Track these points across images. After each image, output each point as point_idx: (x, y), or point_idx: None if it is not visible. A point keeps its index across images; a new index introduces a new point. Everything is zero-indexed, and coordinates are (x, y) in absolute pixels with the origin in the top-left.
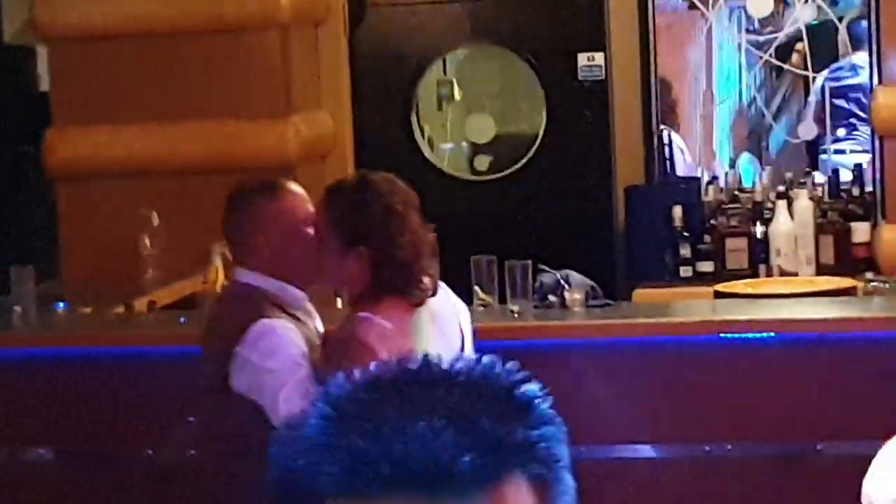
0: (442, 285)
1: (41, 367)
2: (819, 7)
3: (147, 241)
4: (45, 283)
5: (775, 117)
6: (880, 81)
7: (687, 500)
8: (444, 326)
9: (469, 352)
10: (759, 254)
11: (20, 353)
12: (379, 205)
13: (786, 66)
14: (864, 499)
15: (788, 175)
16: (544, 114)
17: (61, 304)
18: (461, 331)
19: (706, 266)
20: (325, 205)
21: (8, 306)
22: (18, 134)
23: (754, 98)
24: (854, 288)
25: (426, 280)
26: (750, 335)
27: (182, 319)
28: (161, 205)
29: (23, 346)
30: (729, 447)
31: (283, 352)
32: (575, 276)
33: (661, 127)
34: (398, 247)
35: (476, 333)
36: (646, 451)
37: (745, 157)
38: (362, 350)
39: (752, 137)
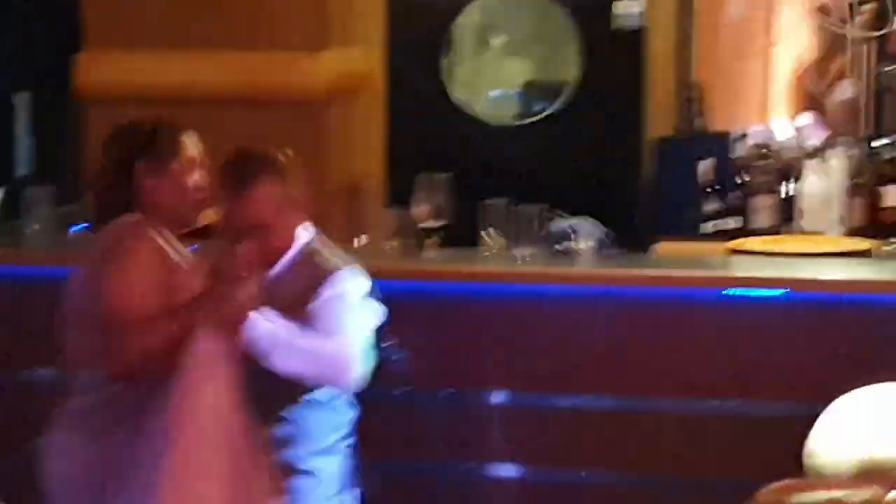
0: None
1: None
2: None
3: None
4: (72, 206)
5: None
6: None
7: (690, 454)
8: None
9: None
10: (786, 213)
11: (32, 272)
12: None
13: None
14: (806, 457)
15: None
16: (578, 61)
17: (81, 226)
18: None
19: (731, 223)
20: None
21: (26, 226)
22: (64, 61)
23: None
24: (869, 251)
25: None
26: (759, 292)
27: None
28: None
29: (35, 265)
30: (736, 404)
31: None
32: (587, 225)
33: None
34: None
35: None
36: (644, 404)
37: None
38: None
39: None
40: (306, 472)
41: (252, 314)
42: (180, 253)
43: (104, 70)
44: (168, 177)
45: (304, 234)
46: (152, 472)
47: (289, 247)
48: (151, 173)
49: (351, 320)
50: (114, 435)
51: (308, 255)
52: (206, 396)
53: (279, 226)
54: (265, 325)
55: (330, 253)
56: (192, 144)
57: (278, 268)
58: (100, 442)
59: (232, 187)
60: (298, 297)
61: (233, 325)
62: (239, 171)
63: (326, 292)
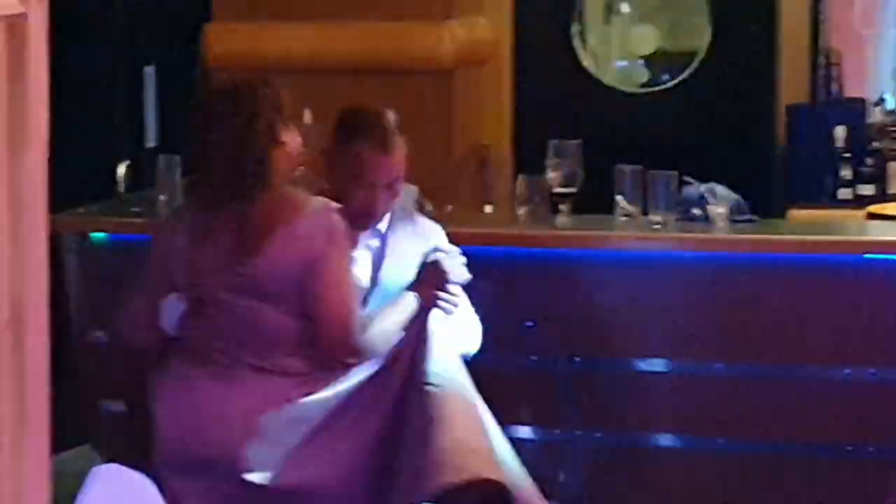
0: None
1: None
2: None
3: (299, 138)
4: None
5: None
6: None
7: (830, 421)
8: None
9: None
10: None
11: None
12: None
13: None
14: None
15: None
16: (709, 27)
17: None
18: None
19: (866, 189)
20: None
21: (155, 195)
22: (192, 32)
23: None
24: None
25: None
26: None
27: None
28: (315, 104)
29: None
30: (871, 371)
31: None
32: (720, 190)
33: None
34: None
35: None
36: (781, 371)
37: None
38: None
39: None
40: None
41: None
42: None
43: (232, 41)
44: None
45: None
46: None
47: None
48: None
49: None
50: None
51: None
52: None
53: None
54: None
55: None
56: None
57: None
58: None
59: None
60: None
61: None
62: (339, 129)
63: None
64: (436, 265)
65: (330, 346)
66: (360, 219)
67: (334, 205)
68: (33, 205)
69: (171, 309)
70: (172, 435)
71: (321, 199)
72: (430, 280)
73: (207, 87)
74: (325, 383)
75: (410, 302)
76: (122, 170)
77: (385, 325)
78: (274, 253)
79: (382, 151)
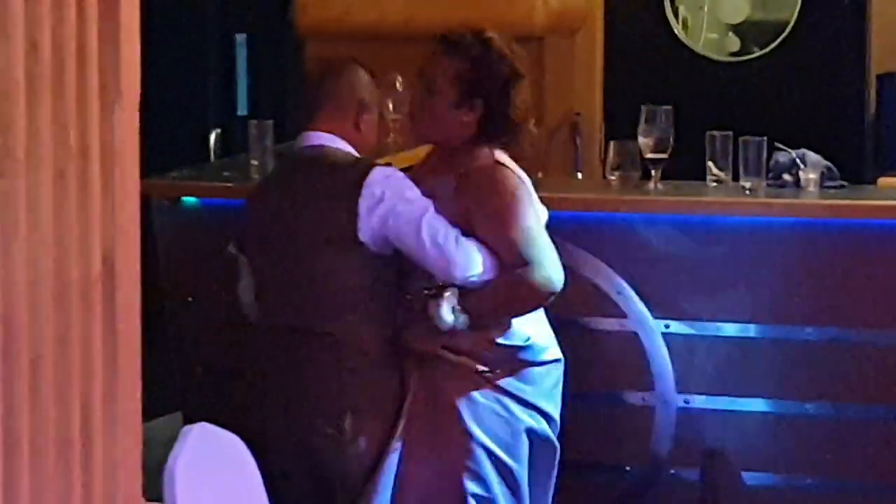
0: None
1: None
2: None
3: (390, 105)
4: (291, 141)
5: None
6: None
7: None
8: None
9: None
10: None
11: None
12: (503, 64)
13: None
14: None
15: None
16: None
17: None
18: None
19: None
20: (444, 57)
21: (247, 160)
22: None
23: None
24: None
25: (527, 142)
26: None
27: None
28: (406, 70)
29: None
30: None
31: (412, 187)
32: (811, 156)
33: None
34: (513, 106)
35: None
36: (870, 336)
37: None
38: (504, 191)
39: None
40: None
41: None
42: None
43: (325, 9)
44: None
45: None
46: None
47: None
48: None
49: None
50: None
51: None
52: None
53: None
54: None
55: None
56: None
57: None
58: None
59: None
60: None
61: None
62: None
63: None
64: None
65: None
66: None
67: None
68: (124, 156)
69: None
70: None
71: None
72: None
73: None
74: None
75: None
76: (213, 137)
77: None
78: None
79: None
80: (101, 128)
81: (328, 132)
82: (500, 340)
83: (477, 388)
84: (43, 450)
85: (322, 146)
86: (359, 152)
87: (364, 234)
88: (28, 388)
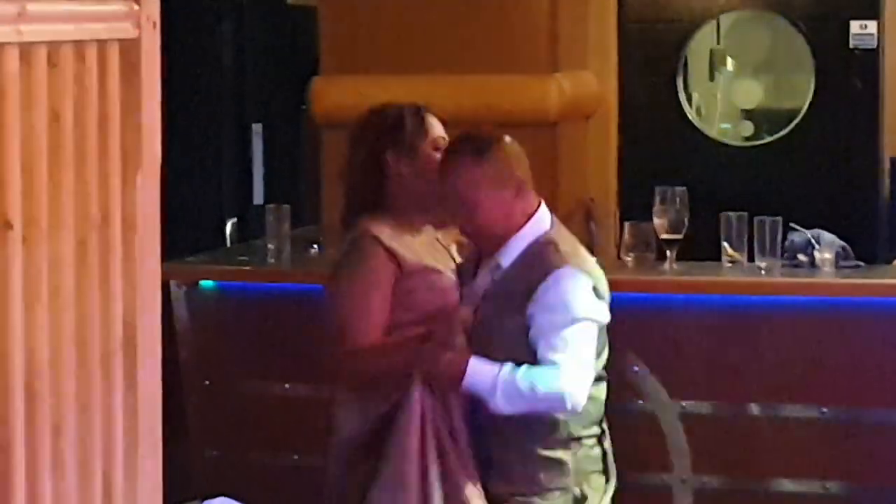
0: None
1: (291, 300)
2: None
3: None
4: (306, 227)
5: None
6: None
7: None
8: None
9: None
10: None
11: (272, 288)
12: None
13: None
14: None
15: None
16: (813, 81)
17: (315, 247)
18: None
19: None
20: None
21: (263, 245)
22: (298, 89)
23: None
24: None
25: None
26: None
27: None
28: None
29: (273, 282)
30: None
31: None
32: (826, 236)
33: None
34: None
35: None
36: (886, 414)
37: None
38: None
39: None
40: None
41: (472, 361)
42: (434, 252)
43: (340, 95)
44: (419, 159)
45: (540, 224)
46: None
47: (510, 234)
48: (402, 158)
49: (571, 334)
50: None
51: (538, 247)
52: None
53: (487, 206)
54: (484, 370)
55: (566, 246)
56: (437, 124)
57: (503, 259)
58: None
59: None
60: (519, 293)
61: (448, 378)
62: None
63: (546, 294)
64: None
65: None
66: None
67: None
68: (146, 225)
69: None
70: None
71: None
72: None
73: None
74: None
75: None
76: (230, 226)
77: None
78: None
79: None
80: (122, 197)
81: None
82: None
83: None
84: None
85: None
86: None
87: None
88: (50, 455)
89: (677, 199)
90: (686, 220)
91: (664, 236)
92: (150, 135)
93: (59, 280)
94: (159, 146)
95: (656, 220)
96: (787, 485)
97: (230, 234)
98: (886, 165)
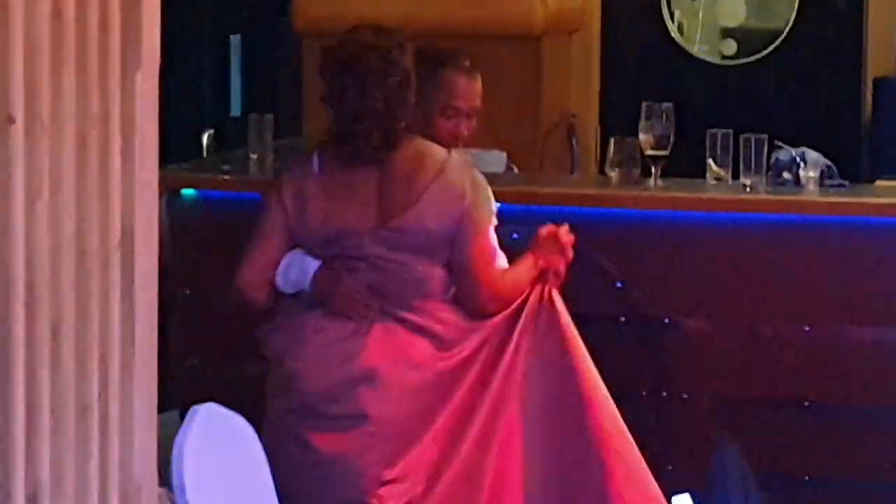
0: None
1: None
2: None
3: None
4: (290, 138)
5: None
6: None
7: None
8: None
9: None
10: None
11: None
12: None
13: None
14: None
15: None
16: (796, 4)
17: None
18: None
19: None
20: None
21: (245, 155)
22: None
23: None
24: None
25: None
26: None
27: None
28: None
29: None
30: None
31: None
32: (811, 154)
33: None
34: None
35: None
36: (868, 332)
37: None
38: None
39: None
40: None
41: None
42: None
43: (321, 5)
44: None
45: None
46: None
47: None
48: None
49: None
50: None
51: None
52: None
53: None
54: None
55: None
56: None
57: None
58: None
59: None
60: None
61: None
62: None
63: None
64: (556, 236)
65: (478, 294)
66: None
67: (467, 155)
68: (144, 125)
69: (295, 265)
70: (317, 387)
71: (458, 152)
72: (549, 248)
73: (352, 43)
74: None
75: (532, 263)
76: (206, 137)
77: (517, 277)
78: (424, 209)
79: (468, 77)
80: (122, 96)
81: None
82: None
83: None
84: (62, 414)
85: None
86: None
87: None
88: (49, 353)
89: (663, 115)
90: (672, 136)
91: (650, 152)
92: (150, 36)
93: (60, 176)
94: (158, 48)
95: (642, 136)
96: (770, 402)
97: (207, 145)
98: (870, 86)
